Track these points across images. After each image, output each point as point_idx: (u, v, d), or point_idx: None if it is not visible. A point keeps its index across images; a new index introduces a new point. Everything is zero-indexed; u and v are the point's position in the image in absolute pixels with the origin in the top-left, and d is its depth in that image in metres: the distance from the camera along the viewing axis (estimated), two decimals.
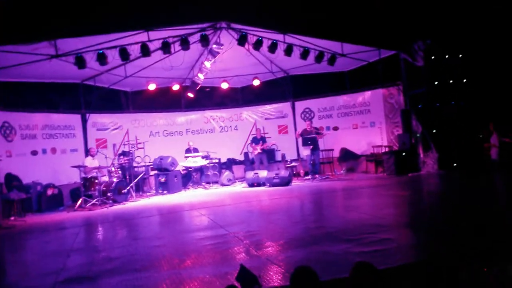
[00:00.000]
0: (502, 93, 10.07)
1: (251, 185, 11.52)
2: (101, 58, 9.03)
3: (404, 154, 11.02)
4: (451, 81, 10.73)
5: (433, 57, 10.66)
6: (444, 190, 8.78)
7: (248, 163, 13.64)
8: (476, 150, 10.30)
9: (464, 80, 10.68)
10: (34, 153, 10.66)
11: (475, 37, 10.22)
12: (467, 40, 10.36)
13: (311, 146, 11.41)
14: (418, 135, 11.09)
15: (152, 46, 9.40)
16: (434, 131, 10.73)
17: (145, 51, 9.28)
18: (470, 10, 9.80)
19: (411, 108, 11.36)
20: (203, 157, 12.30)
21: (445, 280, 3.06)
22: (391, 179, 10.33)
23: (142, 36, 9.20)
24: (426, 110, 10.99)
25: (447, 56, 10.71)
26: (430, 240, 4.52)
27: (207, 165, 12.44)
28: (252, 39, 10.18)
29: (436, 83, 10.76)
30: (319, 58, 10.89)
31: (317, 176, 11.73)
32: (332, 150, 12.82)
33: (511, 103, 9.89)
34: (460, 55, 10.65)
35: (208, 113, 14.40)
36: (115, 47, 9.11)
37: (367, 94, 13.01)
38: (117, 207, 9.52)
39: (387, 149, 12.03)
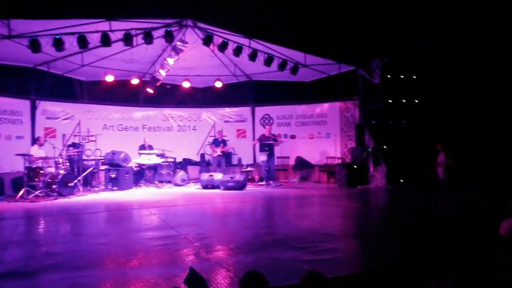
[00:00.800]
0: (451, 114, 10.71)
1: (205, 187, 11.43)
2: (58, 44, 8.62)
3: (355, 166, 11.41)
4: (404, 100, 11.27)
5: (389, 76, 11.15)
6: (391, 204, 9.18)
7: (204, 164, 13.52)
8: (423, 168, 10.87)
9: (416, 101, 11.25)
10: None
11: (429, 59, 10.83)
12: (422, 62, 10.95)
13: (267, 152, 11.52)
14: (369, 149, 11.53)
15: (113, 36, 9.10)
16: (385, 147, 11.20)
17: (106, 41, 8.97)
18: (426, 32, 10.36)
19: (365, 123, 11.79)
20: (158, 155, 12.04)
21: None
22: (342, 190, 10.66)
23: (104, 25, 8.90)
24: (379, 126, 11.45)
25: (402, 76, 11.24)
26: (375, 251, 4.71)
27: (162, 163, 12.19)
28: (217, 40, 10.16)
29: (390, 101, 11.24)
30: (282, 66, 11.06)
31: (271, 182, 11.86)
32: (288, 157, 13.03)
33: (459, 125, 10.55)
34: (414, 76, 11.21)
35: (167, 111, 14.13)
36: (73, 33, 8.73)
37: (325, 106, 13.36)
38: (62, 201, 9.09)
39: (340, 161, 12.40)
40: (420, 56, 10.91)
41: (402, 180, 10.91)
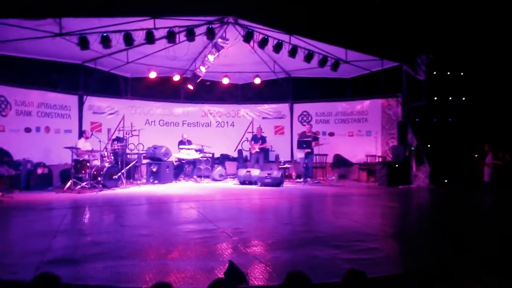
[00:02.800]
0: (500, 114, 10.16)
1: (243, 182, 11.51)
2: (105, 41, 8.94)
3: (397, 165, 11.07)
4: (450, 98, 10.80)
5: (434, 72, 10.72)
6: (433, 205, 8.84)
7: (241, 160, 13.62)
8: (469, 169, 10.38)
9: (464, 98, 10.75)
10: (28, 130, 10.55)
11: (478, 56, 10.30)
12: (470, 58, 10.44)
13: (306, 150, 11.42)
14: (412, 148, 11.14)
15: (157, 34, 9.33)
16: (429, 145, 10.79)
17: (150, 38, 9.20)
18: (475, 29, 9.87)
19: (408, 120, 11.41)
20: (196, 150, 12.25)
21: None
22: (382, 190, 10.37)
23: (148, 23, 9.12)
24: (423, 124, 11.04)
25: (448, 73, 10.78)
26: (416, 253, 4.55)
27: (200, 158, 12.40)
28: (258, 37, 10.16)
29: (435, 98, 10.81)
30: (322, 62, 10.90)
31: (308, 179, 11.75)
32: (326, 155, 12.85)
33: (508, 126, 9.99)
34: (462, 73, 10.71)
35: (206, 107, 14.35)
36: (119, 31, 9.02)
37: (366, 103, 13.05)
38: (107, 192, 9.46)
39: (380, 159, 12.08)
40: (468, 52, 10.40)
41: (446, 181, 10.47)
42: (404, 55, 11.02)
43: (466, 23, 9.85)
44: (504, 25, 9.62)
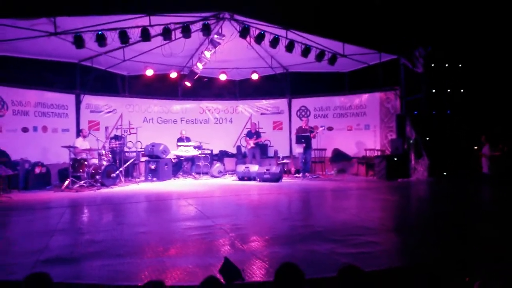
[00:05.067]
0: (498, 106, 10.13)
1: (242, 178, 11.49)
2: (100, 39, 8.88)
3: (396, 159, 11.05)
4: (448, 90, 10.76)
5: (432, 65, 10.67)
6: (433, 198, 8.82)
7: (240, 156, 13.59)
8: (468, 161, 10.36)
9: (462, 90, 10.71)
10: (25, 130, 10.51)
11: (476, 48, 10.26)
12: (468, 50, 10.39)
13: (304, 145, 11.39)
14: (411, 141, 11.11)
15: (152, 31, 9.25)
16: (428, 138, 10.76)
17: (146, 36, 9.14)
18: (473, 21, 9.82)
19: (407, 114, 11.37)
20: (195, 147, 12.23)
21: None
22: (381, 183, 10.36)
23: (144, 20, 9.07)
24: (422, 117, 11.00)
25: (446, 65, 10.72)
26: (415, 246, 4.53)
27: (199, 155, 12.38)
28: (254, 32, 10.10)
29: (434, 91, 10.77)
30: (320, 56, 10.85)
31: (307, 174, 11.73)
32: (325, 150, 12.83)
33: (506, 117, 9.96)
34: (460, 65, 10.66)
35: (204, 104, 14.30)
36: (115, 29, 8.97)
37: (364, 96, 13.01)
38: (105, 191, 9.45)
39: (379, 153, 12.06)
40: (465, 44, 10.35)
41: (445, 173, 10.45)
42: (402, 48, 10.97)
43: (463, 15, 9.80)
44: (501, 17, 9.57)
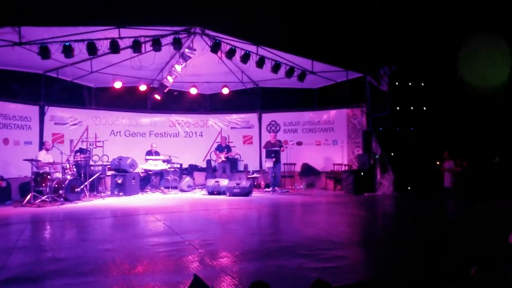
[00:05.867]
0: (458, 124, 10.62)
1: (211, 193, 11.41)
2: (67, 51, 8.70)
3: (362, 174, 11.32)
4: (412, 108, 11.19)
5: (397, 83, 11.09)
6: (397, 212, 9.07)
7: (210, 170, 13.51)
8: (431, 176, 10.76)
9: (424, 108, 11.16)
10: None
11: (437, 69, 10.77)
12: (430, 70, 10.89)
13: (274, 159, 11.49)
14: (377, 156, 11.44)
15: (122, 43, 9.17)
16: (392, 154, 11.10)
17: (115, 48, 9.03)
18: (435, 41, 10.32)
19: (373, 130, 11.72)
20: (164, 161, 12.06)
21: None
22: (349, 198, 10.57)
23: (113, 33, 8.97)
24: (387, 133, 11.37)
25: (410, 84, 11.18)
26: (381, 260, 4.64)
27: (168, 169, 12.21)
28: (225, 47, 10.19)
29: (398, 108, 11.17)
30: (289, 73, 11.05)
31: (277, 189, 11.80)
32: (294, 164, 12.98)
33: (467, 134, 10.46)
34: (423, 84, 11.14)
35: (174, 117, 14.19)
36: (83, 40, 8.82)
37: (332, 112, 13.31)
38: (69, 206, 9.12)
39: (346, 168, 12.31)
40: (428, 63, 10.85)
41: (409, 188, 10.79)
42: (368, 67, 11.37)
43: (425, 36, 10.29)
44: (461, 39, 10.11)
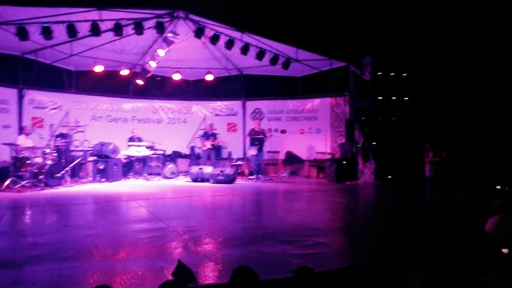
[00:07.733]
0: (439, 113, 10.82)
1: (195, 180, 11.39)
2: (46, 32, 8.46)
3: (344, 162, 11.47)
4: (393, 98, 11.33)
5: (379, 73, 11.19)
6: (378, 200, 9.26)
7: (194, 157, 13.44)
8: (411, 165, 10.99)
9: (406, 98, 11.32)
10: None
11: (419, 59, 10.90)
12: (412, 61, 11.02)
13: (257, 147, 11.52)
14: (359, 145, 11.59)
15: (103, 26, 8.97)
16: (374, 143, 11.26)
17: (95, 30, 8.83)
18: (417, 31, 10.43)
19: (355, 119, 11.84)
20: (147, 147, 11.95)
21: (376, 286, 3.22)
22: (331, 185, 10.71)
23: (94, 15, 8.75)
24: (369, 123, 11.51)
25: (392, 74, 11.30)
26: (363, 246, 4.74)
27: (151, 156, 12.10)
28: (209, 32, 10.08)
29: (380, 98, 11.30)
30: (274, 60, 11.03)
31: (261, 176, 11.86)
32: (278, 152, 13.04)
33: (447, 124, 10.67)
34: (405, 74, 11.27)
35: (157, 103, 14.01)
36: (62, 22, 8.58)
37: (316, 101, 13.38)
38: (49, 191, 8.97)
39: (329, 156, 12.45)
40: (410, 54, 10.97)
41: (390, 177, 11.00)
42: (351, 56, 11.43)
43: (407, 27, 10.38)
44: (444, 29, 10.25)
